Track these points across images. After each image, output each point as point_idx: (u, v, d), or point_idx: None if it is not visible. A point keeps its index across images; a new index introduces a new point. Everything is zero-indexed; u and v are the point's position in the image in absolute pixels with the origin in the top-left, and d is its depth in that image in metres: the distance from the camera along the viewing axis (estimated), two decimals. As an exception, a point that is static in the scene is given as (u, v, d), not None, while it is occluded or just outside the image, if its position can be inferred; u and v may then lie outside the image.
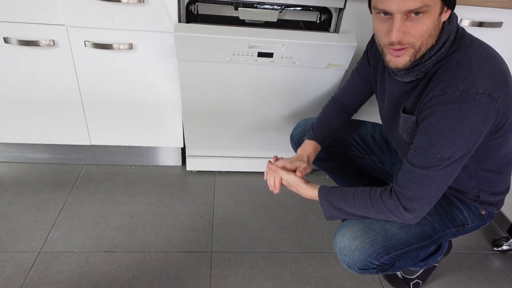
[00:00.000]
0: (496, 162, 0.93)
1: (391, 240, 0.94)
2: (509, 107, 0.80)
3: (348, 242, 0.95)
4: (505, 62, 0.82)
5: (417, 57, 0.81)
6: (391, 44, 0.79)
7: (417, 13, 0.74)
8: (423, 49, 0.80)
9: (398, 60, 0.81)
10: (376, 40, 0.86)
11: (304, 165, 1.03)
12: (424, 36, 0.77)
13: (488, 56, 0.79)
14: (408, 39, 0.78)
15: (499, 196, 1.00)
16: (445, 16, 0.79)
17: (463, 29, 0.85)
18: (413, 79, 0.86)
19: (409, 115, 0.89)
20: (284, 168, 1.02)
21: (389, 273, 1.10)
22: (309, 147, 1.13)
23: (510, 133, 0.87)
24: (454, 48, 0.81)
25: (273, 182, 1.03)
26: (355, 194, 0.91)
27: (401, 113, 0.92)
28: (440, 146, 0.77)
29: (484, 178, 0.95)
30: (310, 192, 0.97)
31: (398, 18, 0.75)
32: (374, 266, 0.95)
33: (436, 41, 0.80)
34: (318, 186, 0.98)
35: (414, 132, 0.89)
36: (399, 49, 0.79)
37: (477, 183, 0.96)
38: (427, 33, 0.77)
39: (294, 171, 1.02)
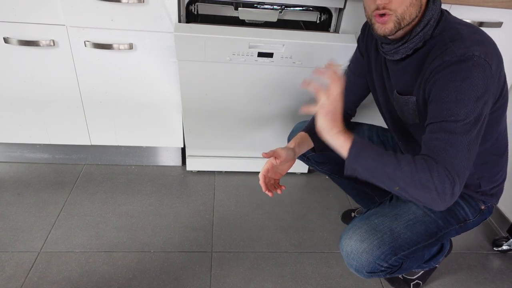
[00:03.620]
0: (495, 142, 0.95)
1: (398, 240, 0.94)
2: (501, 78, 0.84)
3: (356, 245, 0.94)
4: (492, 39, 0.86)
5: (402, 25, 0.85)
6: (377, 9, 0.84)
7: None
8: (407, 18, 0.84)
9: (384, 26, 0.86)
10: (365, 14, 0.91)
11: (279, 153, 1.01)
12: (405, 4, 0.83)
13: (476, 30, 0.84)
14: (390, 5, 0.83)
15: (498, 183, 1.02)
16: None
17: (447, 11, 0.89)
18: (403, 56, 0.91)
19: (409, 96, 0.91)
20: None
21: (396, 275, 1.09)
22: (294, 139, 1.12)
23: (505, 108, 0.91)
24: (442, 27, 0.86)
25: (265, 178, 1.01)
26: (397, 154, 0.81)
27: (399, 95, 0.94)
28: (451, 109, 0.78)
29: (485, 163, 0.96)
30: (342, 137, 0.84)
31: None
32: (383, 269, 0.95)
33: (422, 18, 0.85)
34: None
35: (415, 112, 0.92)
36: (383, 16, 0.85)
37: (477, 170, 0.97)
38: (408, 1, 0.82)
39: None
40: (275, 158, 1.00)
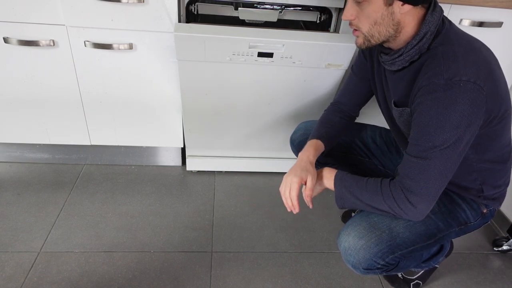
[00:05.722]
0: (497, 152, 0.94)
1: (396, 239, 0.94)
2: (498, 95, 0.82)
3: (353, 241, 0.95)
4: (491, 54, 0.85)
5: (372, 42, 0.88)
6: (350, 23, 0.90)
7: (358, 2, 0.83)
8: (376, 35, 0.86)
9: (356, 39, 0.91)
10: None
11: (309, 181, 0.98)
12: (369, 23, 0.84)
13: (472, 48, 0.82)
14: (356, 22, 0.87)
15: (501, 188, 1.01)
16: (402, 9, 0.82)
17: (449, 22, 0.87)
18: (400, 67, 0.91)
19: (404, 108, 0.92)
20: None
21: (393, 273, 1.10)
22: (309, 148, 1.09)
23: (508, 120, 0.89)
24: (440, 41, 0.84)
25: (289, 197, 0.98)
26: (368, 180, 0.92)
27: (394, 107, 0.95)
28: (430, 134, 0.80)
29: (487, 170, 0.96)
30: (328, 174, 0.99)
31: (349, 0, 0.86)
32: (379, 266, 0.95)
33: (418, 31, 0.84)
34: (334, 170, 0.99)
35: (410, 123, 0.91)
36: (355, 31, 0.89)
37: (479, 176, 0.97)
38: (372, 21, 0.84)
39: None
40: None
